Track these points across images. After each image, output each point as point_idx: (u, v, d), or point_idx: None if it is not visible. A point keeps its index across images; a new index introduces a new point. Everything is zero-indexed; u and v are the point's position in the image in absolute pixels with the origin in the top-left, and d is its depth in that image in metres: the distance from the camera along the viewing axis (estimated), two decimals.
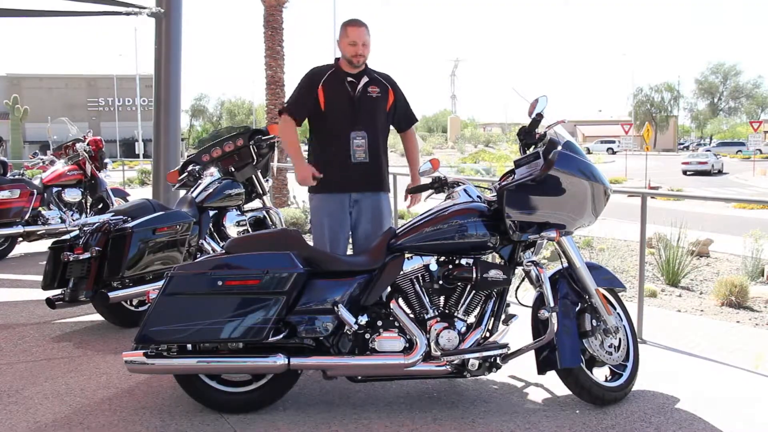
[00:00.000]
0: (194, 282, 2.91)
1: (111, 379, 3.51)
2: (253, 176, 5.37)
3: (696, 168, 34.62)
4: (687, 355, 4.00)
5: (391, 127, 3.87)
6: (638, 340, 3.61)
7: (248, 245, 3.08)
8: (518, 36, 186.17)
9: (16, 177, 7.56)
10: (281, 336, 2.93)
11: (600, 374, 3.22)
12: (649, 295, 5.91)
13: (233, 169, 5.16)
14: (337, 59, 3.70)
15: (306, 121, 3.72)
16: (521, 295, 3.29)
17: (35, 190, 7.26)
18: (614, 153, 51.02)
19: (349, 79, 3.61)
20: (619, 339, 3.27)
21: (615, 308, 3.33)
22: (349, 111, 3.57)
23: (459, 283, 3.09)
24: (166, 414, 3.06)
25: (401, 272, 3.07)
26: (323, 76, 3.60)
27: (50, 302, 4.16)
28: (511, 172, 3.27)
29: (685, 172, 34.29)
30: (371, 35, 3.62)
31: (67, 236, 4.29)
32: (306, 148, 3.91)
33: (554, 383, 3.28)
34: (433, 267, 3.09)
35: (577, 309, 3.19)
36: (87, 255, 4.07)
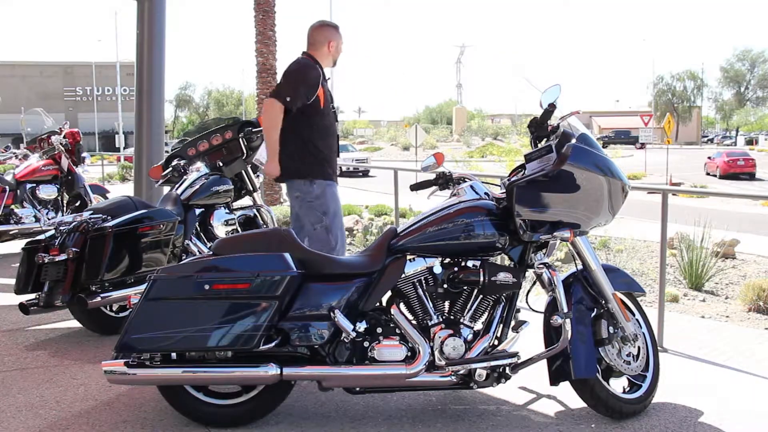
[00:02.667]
0: (179, 286, 2.91)
1: (89, 391, 3.52)
2: (243, 171, 5.37)
3: None
4: (711, 365, 4.01)
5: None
6: (658, 348, 3.61)
7: (238, 246, 3.08)
8: (529, 20, 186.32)
9: None
10: (273, 344, 2.93)
11: (617, 385, 3.22)
12: (670, 299, 5.91)
13: (221, 164, 5.16)
14: (306, 54, 4.06)
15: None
16: (532, 300, 3.29)
17: (7, 187, 7.26)
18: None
19: (328, 77, 4.14)
20: (638, 347, 3.27)
21: (633, 314, 3.33)
22: (332, 107, 4.15)
23: (465, 287, 3.09)
24: (148, 428, 3.06)
25: (403, 275, 3.07)
26: (320, 76, 4.00)
27: (24, 307, 4.16)
28: (522, 167, 3.28)
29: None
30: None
31: (41, 236, 4.30)
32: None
33: (568, 395, 3.28)
34: (438, 269, 3.09)
35: (593, 315, 3.19)
36: (63, 256, 4.07)
